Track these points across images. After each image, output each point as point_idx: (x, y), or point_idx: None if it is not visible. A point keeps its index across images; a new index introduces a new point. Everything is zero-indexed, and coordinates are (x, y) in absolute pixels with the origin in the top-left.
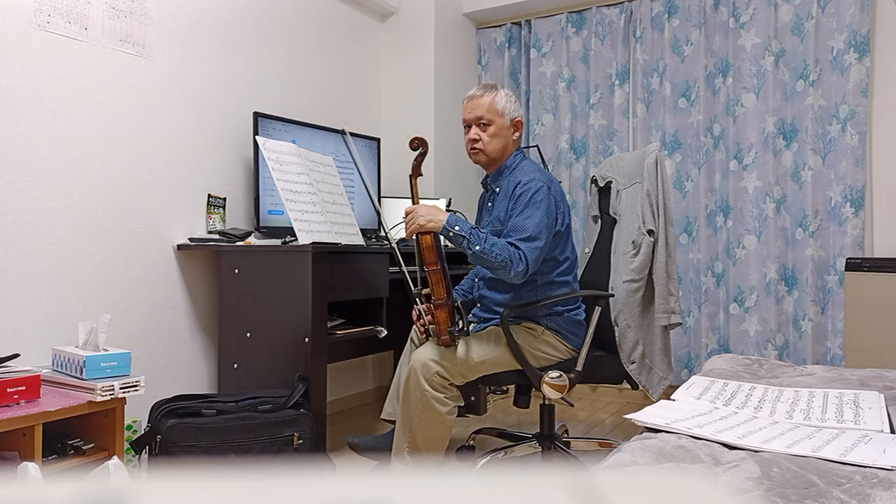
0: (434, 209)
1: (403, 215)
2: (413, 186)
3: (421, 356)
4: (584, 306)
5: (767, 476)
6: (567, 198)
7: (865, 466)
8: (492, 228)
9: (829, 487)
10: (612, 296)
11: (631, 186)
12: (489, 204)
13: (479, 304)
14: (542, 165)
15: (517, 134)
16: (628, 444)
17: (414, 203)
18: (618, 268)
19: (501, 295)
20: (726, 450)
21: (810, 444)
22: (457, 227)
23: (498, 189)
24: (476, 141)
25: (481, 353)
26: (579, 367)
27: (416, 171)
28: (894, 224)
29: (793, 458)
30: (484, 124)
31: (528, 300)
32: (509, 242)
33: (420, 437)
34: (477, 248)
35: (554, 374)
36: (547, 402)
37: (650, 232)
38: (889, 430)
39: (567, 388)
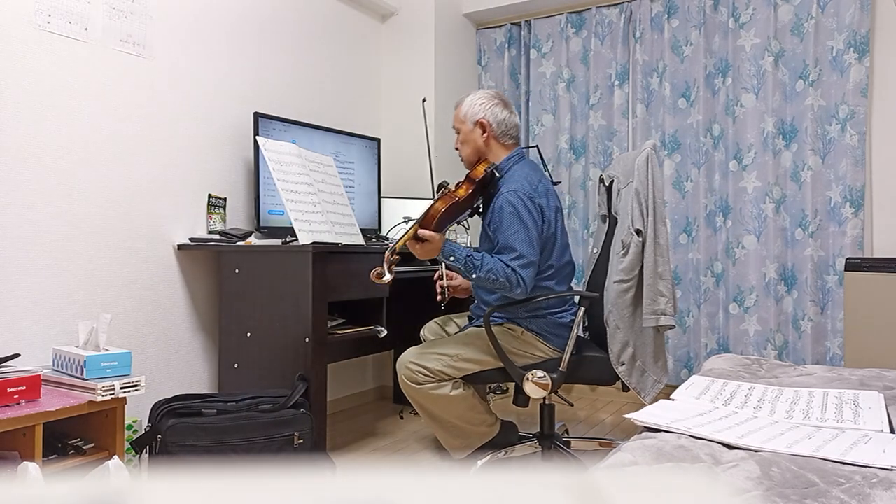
0: (431, 248)
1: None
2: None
3: (401, 361)
4: (573, 309)
5: (767, 476)
6: (566, 198)
7: (865, 466)
8: (487, 242)
9: (829, 487)
10: (596, 296)
11: (627, 185)
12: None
13: (475, 301)
14: (541, 166)
15: (485, 134)
16: (628, 443)
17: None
18: (612, 268)
19: (490, 295)
20: (726, 449)
21: (810, 443)
22: (452, 259)
23: (493, 192)
24: (458, 149)
25: (460, 351)
26: (563, 368)
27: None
28: (894, 224)
29: (792, 457)
30: (457, 133)
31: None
32: (504, 263)
33: (453, 421)
34: (474, 276)
35: (539, 373)
36: (547, 401)
37: (638, 231)
38: (889, 430)
39: (550, 387)
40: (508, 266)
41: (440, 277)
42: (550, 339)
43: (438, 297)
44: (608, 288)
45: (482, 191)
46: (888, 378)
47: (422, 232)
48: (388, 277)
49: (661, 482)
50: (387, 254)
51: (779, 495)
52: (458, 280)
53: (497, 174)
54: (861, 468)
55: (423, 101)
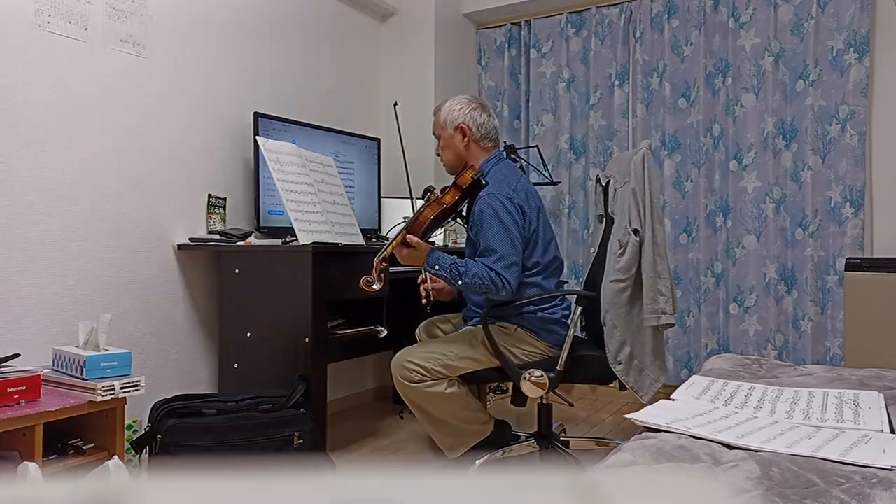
0: (417, 255)
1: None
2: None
3: (396, 360)
4: (563, 304)
5: (767, 476)
6: (566, 198)
7: (865, 466)
8: (471, 247)
9: (829, 487)
10: (592, 294)
11: (624, 185)
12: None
13: (467, 304)
14: (541, 166)
15: (465, 139)
16: (628, 443)
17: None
18: (609, 267)
19: (479, 297)
20: (726, 449)
21: (810, 443)
22: (437, 267)
23: (476, 197)
24: (439, 155)
25: (457, 350)
26: (560, 367)
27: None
28: (894, 224)
29: (792, 457)
30: (438, 139)
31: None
32: (487, 266)
33: (447, 419)
34: (460, 282)
35: (537, 372)
36: (545, 401)
37: (636, 231)
38: (889, 430)
39: (547, 386)
40: (492, 269)
41: (424, 281)
42: (543, 335)
43: (423, 301)
44: (605, 287)
45: (466, 199)
46: (888, 378)
47: (410, 238)
48: (377, 286)
49: (661, 482)
50: (376, 261)
51: (779, 495)
52: (441, 283)
53: (484, 182)
54: (861, 468)
55: (395, 104)
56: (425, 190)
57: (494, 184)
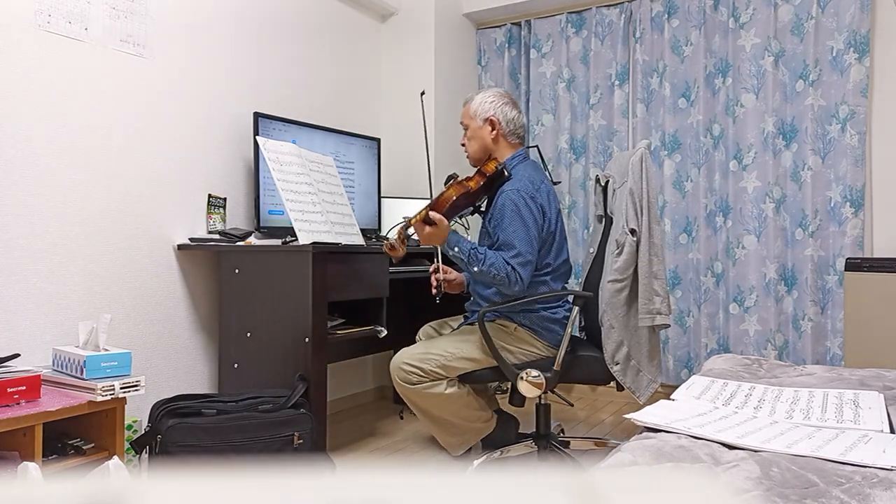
0: (438, 234)
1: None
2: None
3: (394, 362)
4: (566, 305)
5: (767, 476)
6: (566, 198)
7: (865, 466)
8: (487, 239)
9: (829, 487)
10: (589, 295)
11: (622, 185)
12: (490, 204)
13: (471, 297)
14: (541, 166)
15: (494, 132)
16: (628, 443)
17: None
18: (607, 267)
19: (487, 290)
20: (726, 449)
21: (810, 443)
22: (456, 249)
23: (497, 190)
24: (463, 146)
25: (454, 351)
26: (557, 367)
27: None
28: (894, 224)
29: (792, 457)
30: (465, 129)
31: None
32: (504, 260)
33: (449, 418)
34: (475, 269)
35: (534, 372)
36: (543, 401)
37: (633, 231)
38: (889, 430)
39: (544, 386)
40: (508, 263)
41: (436, 270)
42: (543, 334)
43: (433, 291)
44: (602, 287)
45: (488, 188)
46: (888, 378)
47: (433, 214)
48: (401, 251)
49: (661, 482)
50: (399, 228)
51: (779, 495)
52: (454, 275)
53: (507, 173)
54: (861, 468)
55: (422, 94)
56: (449, 177)
57: (519, 180)
